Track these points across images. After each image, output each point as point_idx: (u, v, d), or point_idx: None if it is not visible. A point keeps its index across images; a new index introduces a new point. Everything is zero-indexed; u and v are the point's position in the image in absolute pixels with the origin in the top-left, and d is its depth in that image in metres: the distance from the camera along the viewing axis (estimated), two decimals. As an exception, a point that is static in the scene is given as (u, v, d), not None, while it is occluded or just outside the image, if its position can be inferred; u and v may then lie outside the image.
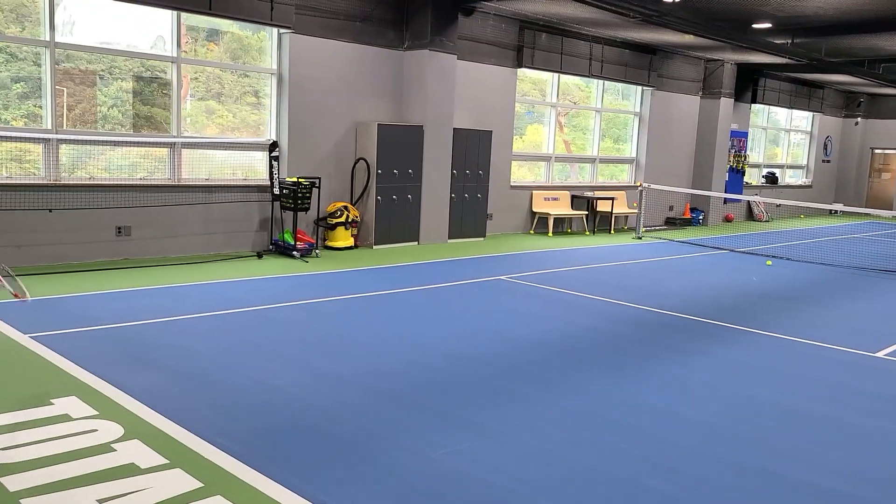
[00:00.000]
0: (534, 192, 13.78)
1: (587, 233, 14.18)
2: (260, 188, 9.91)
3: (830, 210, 17.72)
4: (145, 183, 9.02)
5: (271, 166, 9.71)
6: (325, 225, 10.46)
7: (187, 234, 9.34)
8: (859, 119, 22.47)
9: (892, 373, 5.59)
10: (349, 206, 10.59)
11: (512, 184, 13.41)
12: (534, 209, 13.73)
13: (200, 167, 9.54)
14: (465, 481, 3.48)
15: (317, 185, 9.94)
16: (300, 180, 9.58)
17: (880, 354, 6.11)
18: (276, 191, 9.66)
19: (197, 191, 9.38)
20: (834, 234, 16.07)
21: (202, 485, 3.31)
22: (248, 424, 4.04)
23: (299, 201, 9.53)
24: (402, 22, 11.15)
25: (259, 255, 9.56)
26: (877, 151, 22.61)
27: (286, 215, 10.08)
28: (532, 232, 13.71)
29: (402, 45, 11.23)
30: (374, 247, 10.84)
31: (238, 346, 5.52)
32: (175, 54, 9.12)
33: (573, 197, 14.36)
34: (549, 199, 13.96)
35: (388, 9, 10.95)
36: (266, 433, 3.93)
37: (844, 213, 21.49)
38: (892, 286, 9.45)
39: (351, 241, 10.58)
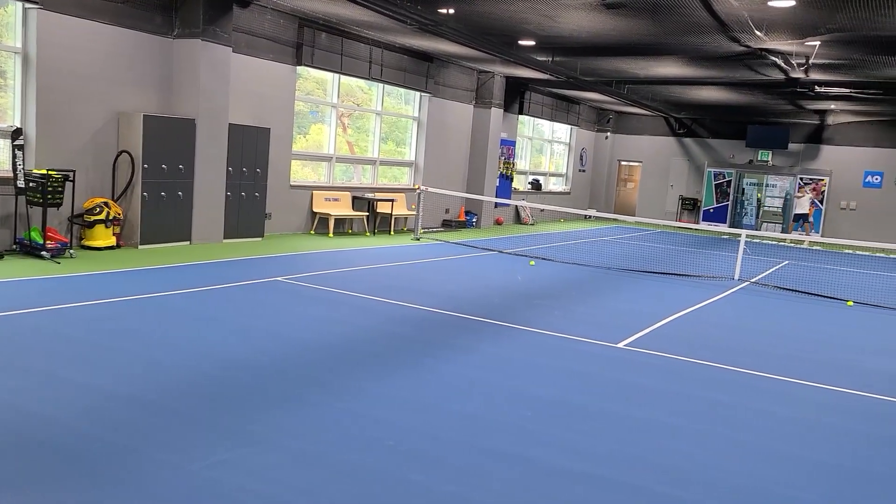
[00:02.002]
0: (314, 192, 13.67)
1: (367, 234, 14.36)
2: (0, 180, 8.78)
3: (585, 215, 19.65)
4: None
5: (14, 156, 8.65)
6: (82, 223, 9.54)
7: None
8: (609, 133, 25.13)
9: (630, 361, 6.32)
10: (110, 202, 9.76)
11: (292, 183, 13.19)
12: (314, 209, 13.62)
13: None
14: (225, 490, 3.36)
15: (71, 178, 9.04)
16: (51, 172, 8.65)
17: (621, 345, 6.87)
18: (21, 183, 8.63)
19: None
20: (588, 237, 17.80)
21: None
22: (-23, 448, 3.56)
23: (49, 196, 8.60)
24: (171, 8, 10.49)
25: (-1, 256, 8.48)
26: (623, 163, 25.44)
27: (34, 211, 9.04)
28: (312, 232, 13.60)
29: (171, 33, 10.57)
30: (140, 246, 10.09)
31: (-33, 359, 4.84)
32: None
33: (354, 198, 14.47)
34: (329, 200, 13.93)
35: (156, -8, 10.25)
36: (3, 454, 3.49)
37: (597, 218, 23.90)
38: (634, 283, 10.68)
39: (113, 241, 9.75)
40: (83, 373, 4.79)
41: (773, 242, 20.04)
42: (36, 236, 8.70)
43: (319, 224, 13.94)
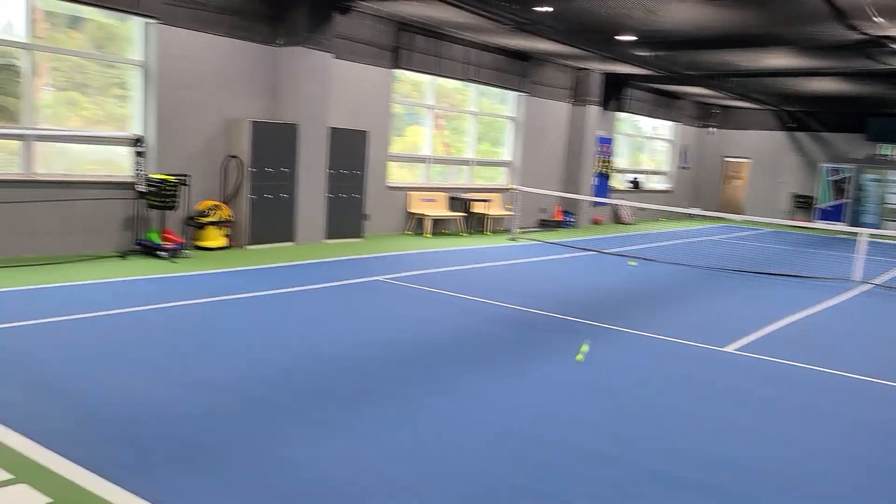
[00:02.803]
0: (411, 192, 13.87)
1: (463, 234, 14.44)
2: (123, 185, 9.39)
3: (689, 214, 19.00)
4: (-8, 177, 8.33)
5: (136, 162, 9.23)
6: (195, 224, 10.06)
7: (43, 233, 8.71)
8: (713, 129, 24.20)
9: (738, 366, 6.07)
10: (221, 204, 10.25)
11: (389, 184, 13.44)
12: (411, 210, 13.82)
13: (57, 161, 8.92)
14: (333, 483, 3.46)
15: (186, 182, 9.56)
16: (168, 177, 9.17)
17: (729, 349, 6.61)
18: (142, 188, 9.20)
19: (53, 186, 8.76)
20: (691, 237, 17.22)
21: (51, 500, 3.11)
22: (107, 435, 3.83)
23: (166, 199, 9.12)
24: (276, 17, 10.91)
25: (123, 256, 9.06)
26: (729, 159, 24.44)
27: (153, 214, 9.61)
28: (409, 232, 13.80)
29: (276, 42, 10.99)
30: (248, 247, 10.54)
31: (97, 352, 5.21)
32: (28, 40, 8.49)
33: (450, 198, 14.58)
34: (426, 201, 14.10)
35: (262, 4, 10.68)
36: (126, 444, 3.74)
37: (701, 217, 23.06)
38: (740, 285, 10.25)
39: (223, 241, 10.24)
40: (195, 366, 5.05)
41: None
42: (155, 237, 9.25)
43: (416, 224, 14.14)
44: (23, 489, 3.20)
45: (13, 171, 8.59)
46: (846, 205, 21.89)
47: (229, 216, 10.33)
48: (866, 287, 10.70)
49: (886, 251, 16.19)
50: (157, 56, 9.55)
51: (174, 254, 9.28)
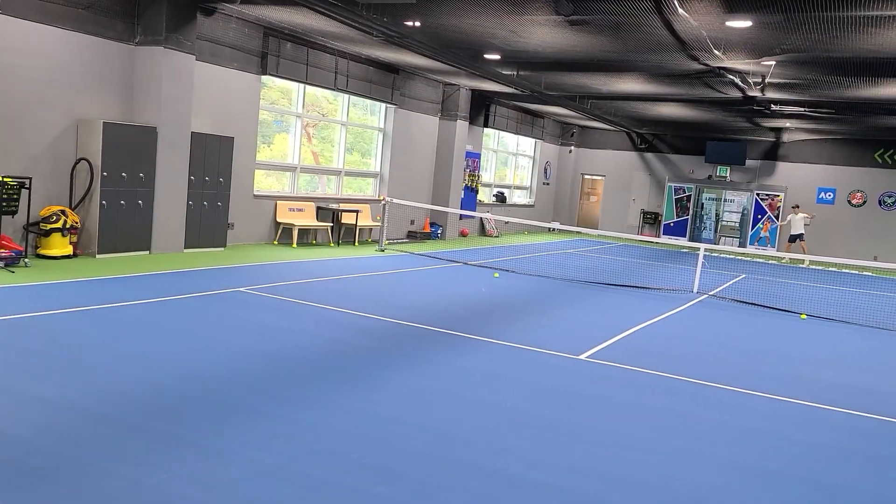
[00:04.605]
0: (278, 202, 13.58)
1: (332, 244, 14.29)
2: (-47, 187, 8.55)
3: (549, 228, 19.85)
4: None
5: (-32, 162, 8.43)
6: (38, 231, 9.33)
7: None
8: (573, 147, 25.44)
9: (592, 373, 6.39)
10: (67, 210, 9.56)
11: (255, 193, 13.09)
12: (278, 219, 13.52)
13: None
14: (189, 505, 3.31)
15: (27, 185, 8.85)
16: (6, 179, 8.45)
17: (583, 357, 6.95)
18: (-25, 191, 8.41)
19: None
20: (552, 250, 17.97)
21: None
22: (-76, 464, 3.45)
23: (4, 203, 8.40)
24: (133, 15, 10.36)
25: (-50, 265, 8.24)
26: (586, 176, 25.77)
27: (-13, 219, 8.82)
28: (276, 243, 13.49)
29: (133, 40, 10.44)
30: (98, 255, 9.90)
31: (-85, 371, 4.69)
32: None
33: (318, 208, 14.40)
34: (294, 210, 13.84)
35: (119, -1, 10.12)
36: (-52, 472, 3.39)
37: (561, 231, 24.13)
38: (596, 296, 10.81)
39: (70, 250, 9.55)
40: (37, 385, 4.68)
41: (731, 256, 20.47)
42: (-11, 245, 8.49)
43: (283, 234, 13.83)
44: None
45: None
46: (688, 221, 23.68)
47: (76, 222, 9.65)
48: (703, 297, 11.60)
49: (722, 264, 17.64)
50: (-5, 48, 8.80)
51: (12, 262, 8.55)
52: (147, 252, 10.64)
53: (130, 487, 3.43)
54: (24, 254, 8.82)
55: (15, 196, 8.53)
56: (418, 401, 5.13)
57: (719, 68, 12.03)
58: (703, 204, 23.62)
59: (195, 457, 3.84)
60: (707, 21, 9.00)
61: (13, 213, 8.58)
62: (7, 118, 9.06)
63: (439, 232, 18.02)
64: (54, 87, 9.55)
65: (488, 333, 7.53)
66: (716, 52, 10.61)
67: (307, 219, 14.06)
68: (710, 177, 23.42)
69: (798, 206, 20.58)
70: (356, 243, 14.77)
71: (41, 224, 9.32)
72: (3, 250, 8.51)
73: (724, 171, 23.12)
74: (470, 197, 19.34)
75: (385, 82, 15.59)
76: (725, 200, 23.36)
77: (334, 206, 14.67)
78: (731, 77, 12.52)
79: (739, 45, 10.28)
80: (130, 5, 10.30)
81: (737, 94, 14.33)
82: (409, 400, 5.13)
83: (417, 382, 5.57)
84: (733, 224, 23.27)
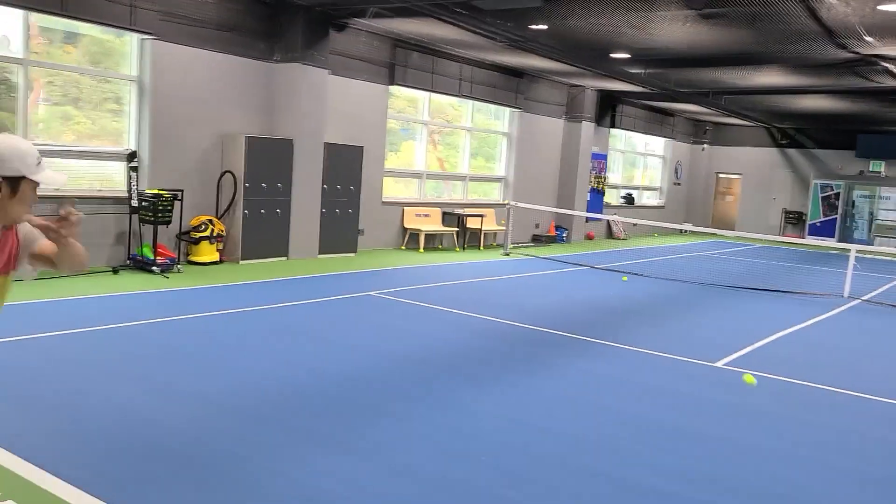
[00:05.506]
0: (405, 208, 13.91)
1: (457, 249, 14.47)
2: (117, 200, 9.39)
3: (681, 229, 19.08)
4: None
5: (129, 177, 9.24)
6: (189, 239, 10.07)
7: (34, 247, 8.69)
8: (706, 145, 24.36)
9: (729, 382, 6.09)
10: (214, 219, 10.25)
11: (384, 199, 13.48)
12: (405, 225, 13.85)
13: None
14: (327, 499, 3.45)
15: (179, 197, 9.56)
16: (161, 192, 9.18)
17: (719, 364, 6.63)
18: (135, 203, 9.20)
19: (46, 201, 8.74)
20: (684, 252, 17.28)
21: (41, 519, 3.10)
22: (98, 450, 3.81)
23: (160, 214, 9.13)
24: (272, 34, 10.97)
25: (115, 271, 9.05)
26: (721, 175, 24.59)
27: (146, 229, 9.60)
28: (403, 248, 13.82)
29: (272, 58, 11.05)
30: (241, 262, 10.54)
31: (90, 366, 5.19)
32: (23, 56, 8.51)
33: (444, 213, 14.62)
34: (420, 216, 14.13)
35: (259, 20, 10.75)
36: (118, 459, 3.73)
37: (693, 233, 23.16)
38: (732, 300, 10.29)
39: (216, 256, 10.23)
40: (192, 382, 5.04)
41: (888, 258, 18.85)
42: (147, 252, 9.25)
43: (410, 239, 14.15)
44: (13, 506, 3.18)
45: (7, 185, 8.57)
46: (837, 220, 22.03)
47: (222, 231, 10.33)
48: (855, 302, 10.75)
49: (876, 267, 16.28)
50: (151, 71, 9.58)
51: (166, 269, 9.27)
52: (285, 258, 11.21)
53: (279, 480, 3.62)
54: (176, 260, 9.54)
55: (169, 207, 9.25)
56: (547, 406, 5.09)
57: (872, 56, 11.13)
58: (854, 202, 21.89)
59: (338, 453, 3.99)
60: (857, 6, 8.35)
61: (167, 223, 9.30)
62: (165, 136, 9.84)
63: (564, 235, 17.80)
64: (203, 105, 10.28)
65: (617, 338, 7.35)
66: (867, 38, 9.83)
67: (433, 224, 14.32)
68: (861, 172, 21.68)
69: None
70: (481, 247, 14.87)
71: (192, 233, 10.05)
72: (159, 258, 9.25)
73: (879, 167, 21.33)
74: (596, 199, 18.97)
75: (509, 87, 15.61)
76: (880, 198, 21.53)
77: (459, 210, 14.84)
78: (886, 65, 11.55)
79: (894, 30, 9.46)
80: (271, 26, 10.92)
81: (892, 82, 13.19)
82: (538, 405, 5.10)
83: (547, 387, 5.53)
84: (891, 223, 21.41)
